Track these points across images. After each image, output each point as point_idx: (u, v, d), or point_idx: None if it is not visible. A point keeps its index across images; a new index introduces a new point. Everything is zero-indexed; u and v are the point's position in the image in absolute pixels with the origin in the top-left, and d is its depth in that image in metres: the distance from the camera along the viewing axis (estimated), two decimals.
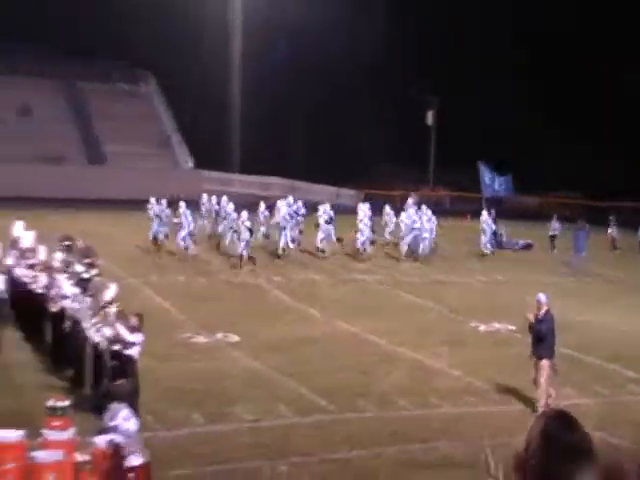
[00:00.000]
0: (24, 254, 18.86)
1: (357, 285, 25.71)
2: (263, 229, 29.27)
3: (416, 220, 30.09)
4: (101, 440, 10.08)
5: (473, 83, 52.31)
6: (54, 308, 16.02)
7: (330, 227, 29.66)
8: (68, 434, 10.50)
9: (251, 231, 26.50)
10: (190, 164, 50.91)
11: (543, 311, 14.46)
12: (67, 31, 49.61)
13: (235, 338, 18.65)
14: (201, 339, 18.54)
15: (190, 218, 27.83)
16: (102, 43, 49.82)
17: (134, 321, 13.04)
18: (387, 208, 32.19)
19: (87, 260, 19.57)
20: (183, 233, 27.50)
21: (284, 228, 28.50)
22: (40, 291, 17.12)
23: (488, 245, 31.64)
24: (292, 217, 29.47)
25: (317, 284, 25.48)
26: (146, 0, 48.24)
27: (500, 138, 50.39)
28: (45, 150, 46.61)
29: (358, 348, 18.52)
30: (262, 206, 29.75)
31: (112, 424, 9.15)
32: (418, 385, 15.94)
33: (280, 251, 28.38)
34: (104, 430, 9.36)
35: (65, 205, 36.55)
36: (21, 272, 18.28)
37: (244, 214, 26.83)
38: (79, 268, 18.61)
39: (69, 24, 49.99)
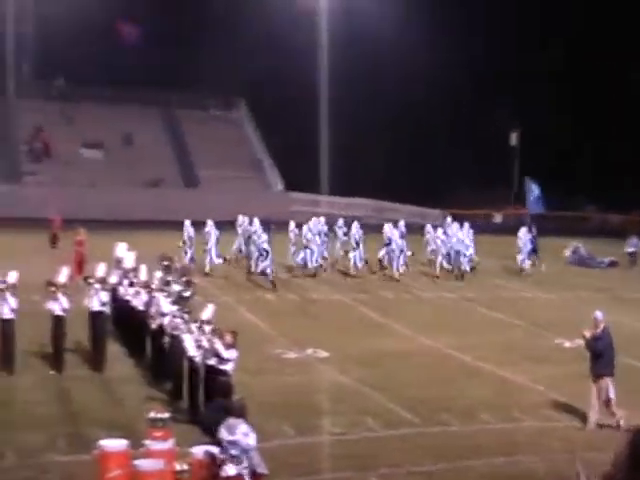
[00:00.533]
0: (127, 274, 19.39)
1: (437, 301, 25.57)
2: (292, 248, 28.68)
3: (460, 238, 29.30)
4: (198, 450, 10.35)
5: (549, 103, 51.67)
6: (154, 325, 16.42)
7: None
8: (168, 444, 10.82)
9: (267, 252, 25.91)
10: (280, 186, 51.44)
11: (600, 329, 14.36)
12: (165, 62, 51.01)
13: (324, 353, 18.80)
14: (292, 354, 18.76)
15: (214, 237, 27.47)
16: (197, 71, 50.98)
17: (229, 338, 13.28)
18: (428, 226, 31.43)
19: (185, 279, 20.06)
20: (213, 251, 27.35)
21: (307, 247, 27.85)
22: (141, 308, 17.57)
23: (525, 262, 30.49)
24: (321, 235, 28.61)
25: (398, 301, 25.45)
26: (237, 30, 49.30)
27: (579, 155, 49.68)
28: (145, 175, 47.91)
29: (442, 363, 18.48)
30: (292, 224, 29.02)
31: (231, 439, 9.24)
32: (501, 399, 15.80)
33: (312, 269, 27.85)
34: (220, 444, 9.43)
35: (163, 226, 37.34)
36: (123, 290, 18.82)
37: (263, 236, 26.39)
38: (177, 287, 19.08)
39: (167, 56, 51.39)
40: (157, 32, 51.40)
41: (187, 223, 28.21)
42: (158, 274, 18.89)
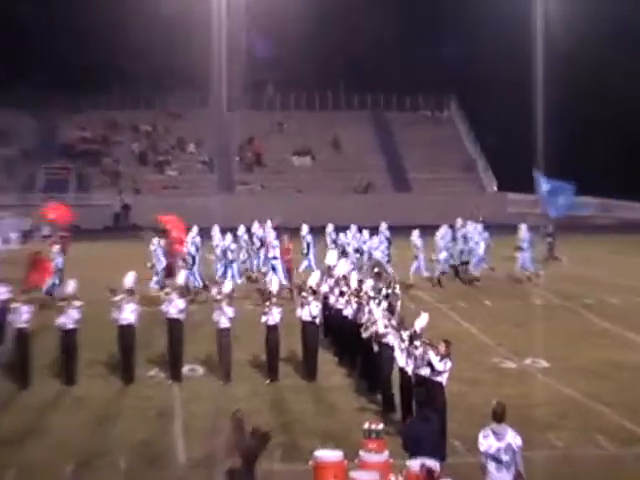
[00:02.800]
0: (338, 282, 19.77)
1: None
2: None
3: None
4: (415, 464, 10.36)
5: None
6: (365, 334, 16.59)
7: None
8: (383, 456, 10.94)
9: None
10: (495, 187, 50.75)
11: None
12: (373, 64, 51.84)
13: (545, 363, 18.32)
14: (510, 364, 18.42)
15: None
16: (406, 72, 51.34)
17: (443, 348, 13.18)
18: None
19: (396, 286, 20.19)
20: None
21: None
22: (352, 317, 17.86)
23: (526, 266, 27.63)
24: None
25: (623, 306, 24.37)
26: (446, 28, 49.27)
27: None
28: (354, 180, 48.86)
29: None
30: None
31: (501, 445, 9.35)
32: None
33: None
34: (488, 450, 9.48)
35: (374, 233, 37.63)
36: (334, 299, 19.19)
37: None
38: (388, 294, 19.22)
39: (374, 58, 52.20)
40: (363, 35, 52.18)
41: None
42: (369, 282, 19.10)
